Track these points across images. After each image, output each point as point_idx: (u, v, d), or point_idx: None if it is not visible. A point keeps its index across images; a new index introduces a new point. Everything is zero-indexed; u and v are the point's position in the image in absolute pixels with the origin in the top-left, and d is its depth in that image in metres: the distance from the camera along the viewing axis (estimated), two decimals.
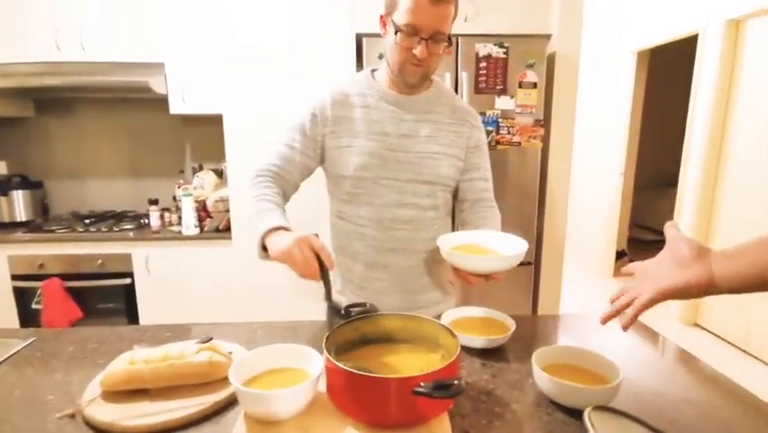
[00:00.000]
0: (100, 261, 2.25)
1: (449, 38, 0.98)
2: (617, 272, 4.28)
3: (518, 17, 2.12)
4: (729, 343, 2.91)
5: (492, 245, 1.02)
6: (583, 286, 4.06)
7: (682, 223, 3.20)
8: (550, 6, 2.13)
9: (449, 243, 1.00)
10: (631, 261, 4.53)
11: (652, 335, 1.04)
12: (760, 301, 2.65)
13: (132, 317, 2.32)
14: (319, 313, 1.23)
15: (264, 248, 0.95)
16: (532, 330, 1.08)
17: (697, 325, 3.21)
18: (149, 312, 2.32)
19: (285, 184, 1.09)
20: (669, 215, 3.34)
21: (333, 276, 1.16)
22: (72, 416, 0.72)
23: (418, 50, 0.95)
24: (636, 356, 0.94)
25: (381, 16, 1.02)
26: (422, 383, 0.63)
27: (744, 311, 2.79)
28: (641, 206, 5.00)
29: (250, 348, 0.89)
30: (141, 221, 2.49)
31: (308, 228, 0.93)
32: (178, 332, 1.05)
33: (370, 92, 1.08)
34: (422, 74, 1.02)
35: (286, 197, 1.10)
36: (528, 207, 2.20)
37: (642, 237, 5.33)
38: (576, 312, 1.15)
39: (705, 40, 3.01)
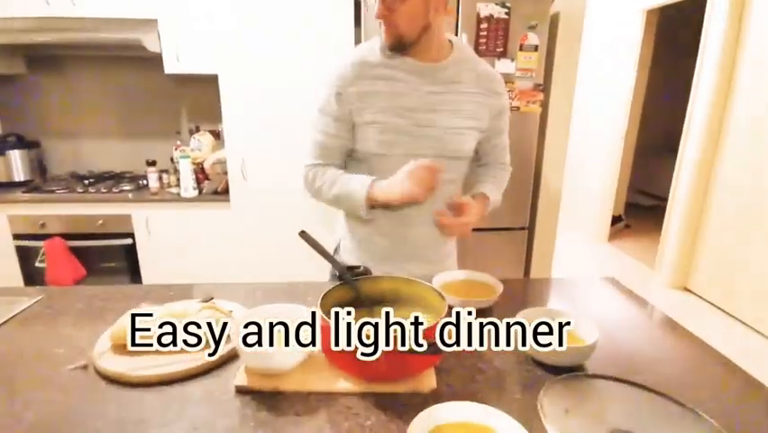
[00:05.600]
0: (101, 221, 2.28)
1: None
2: (612, 238, 4.34)
3: None
4: (717, 307, 3.00)
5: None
6: (577, 251, 4.13)
7: (680, 190, 3.22)
8: None
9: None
10: (627, 226, 4.60)
11: (640, 301, 1.08)
12: (747, 266, 2.71)
13: (135, 275, 2.38)
14: (316, 275, 1.27)
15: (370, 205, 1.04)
16: (520, 293, 1.12)
17: (686, 289, 3.29)
18: (150, 271, 2.38)
19: (336, 167, 1.11)
20: (669, 181, 3.35)
21: (348, 240, 1.20)
22: (84, 367, 0.77)
23: (377, 8, 0.94)
24: (619, 320, 0.98)
25: None
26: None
27: (733, 276, 2.85)
28: (641, 171, 5.00)
29: (250, 308, 0.94)
30: (140, 182, 2.50)
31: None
32: (180, 291, 1.09)
33: (392, 62, 1.03)
34: (392, 36, 0.98)
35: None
36: (525, 172, 2.21)
37: (640, 202, 5.37)
38: (567, 276, 1.19)
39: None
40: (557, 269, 2.66)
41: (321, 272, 1.19)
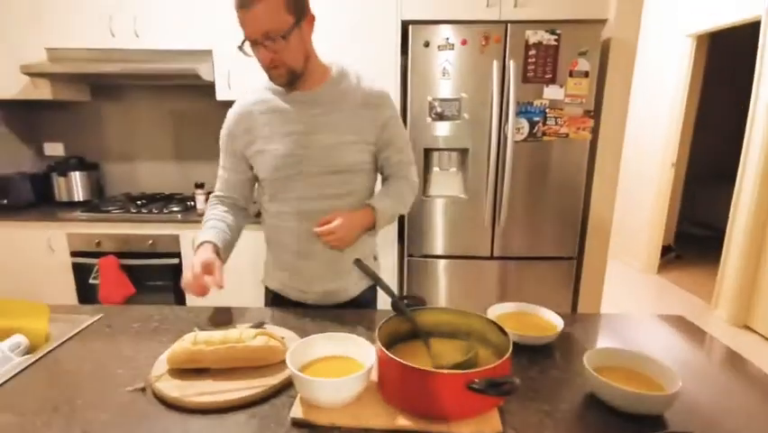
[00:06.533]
0: (151, 241, 2.36)
1: (295, 26, 0.97)
2: (661, 269, 4.12)
3: (572, 1, 2.03)
4: None
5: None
6: (625, 282, 3.94)
7: (738, 221, 3.03)
8: None
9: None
10: (678, 257, 4.37)
11: (716, 344, 1.00)
12: None
13: (179, 294, 2.43)
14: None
15: None
16: (579, 330, 1.06)
17: (747, 327, 3.06)
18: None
19: (233, 202, 1.21)
20: (722, 210, 3.17)
21: (267, 263, 1.27)
22: (143, 389, 0.77)
23: (261, 56, 0.99)
24: (695, 364, 0.91)
25: None
26: (476, 380, 0.64)
27: None
28: (691, 199, 4.77)
29: (299, 334, 0.93)
30: (188, 203, 2.58)
31: None
32: (229, 315, 1.10)
33: (272, 97, 1.11)
34: (285, 74, 1.03)
35: (237, 212, 1.21)
36: (573, 200, 2.14)
37: (691, 232, 5.10)
38: (618, 312, 1.12)
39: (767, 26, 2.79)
40: (606, 301, 2.53)
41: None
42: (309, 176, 1.09)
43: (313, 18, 1.04)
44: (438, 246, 2.23)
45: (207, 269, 0.99)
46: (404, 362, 0.67)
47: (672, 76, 3.79)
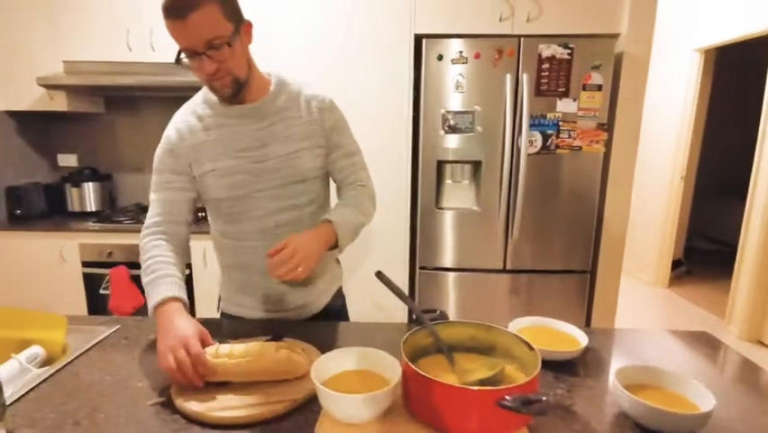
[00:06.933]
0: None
1: (236, 33, 0.91)
2: (672, 283, 4.08)
3: (585, 16, 2.05)
4: None
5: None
6: (636, 297, 3.89)
7: (750, 237, 3.00)
8: (620, 4, 2.04)
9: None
10: (688, 272, 4.32)
11: (724, 351, 0.98)
12: None
13: (190, 306, 2.42)
14: (374, 316, 1.25)
15: None
16: (601, 345, 1.04)
17: (760, 342, 3.01)
18: (205, 303, 2.42)
19: (176, 229, 1.06)
20: (730, 224, 3.14)
21: (228, 290, 1.18)
22: (164, 403, 0.76)
23: (205, 67, 0.91)
24: (714, 377, 0.88)
25: None
26: (507, 397, 0.63)
27: None
28: (700, 214, 4.74)
29: (319, 348, 0.92)
30: (199, 214, 2.59)
31: None
32: (246, 326, 1.09)
33: (214, 111, 1.05)
34: (231, 83, 0.96)
35: (181, 242, 1.08)
36: (586, 213, 2.13)
37: (699, 246, 5.05)
38: (631, 327, 1.10)
39: None
40: (619, 315, 2.50)
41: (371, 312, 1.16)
42: (268, 190, 1.05)
43: (250, 25, 0.98)
44: (450, 259, 2.22)
45: (202, 345, 0.82)
46: (432, 377, 0.66)
47: (680, 90, 3.79)
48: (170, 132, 1.07)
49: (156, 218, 1.06)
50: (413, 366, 0.69)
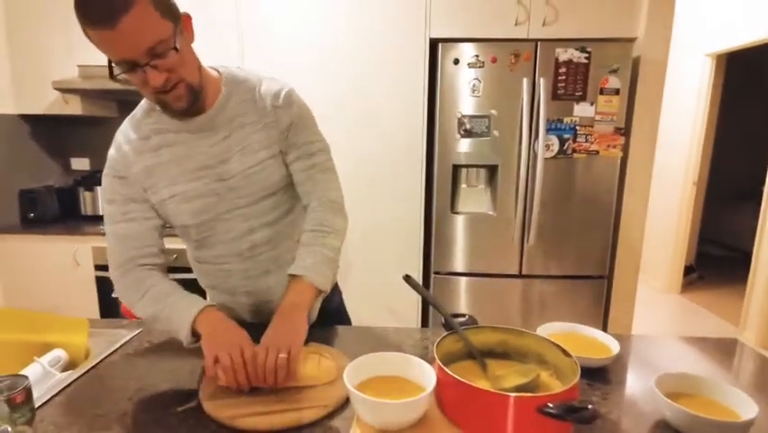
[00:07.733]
0: (175, 255, 2.35)
1: (176, 31, 0.76)
2: (684, 289, 4.03)
3: (601, 19, 2.04)
4: None
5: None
6: (649, 303, 3.85)
7: (765, 241, 2.96)
8: (637, 8, 2.03)
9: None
10: (700, 277, 4.27)
11: (757, 359, 0.95)
12: None
13: None
14: (386, 320, 1.23)
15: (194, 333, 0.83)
16: (629, 352, 1.02)
17: None
18: None
19: (154, 261, 0.94)
20: (742, 230, 3.10)
21: (218, 307, 0.98)
22: (194, 408, 0.75)
23: (151, 80, 0.75)
24: (751, 385, 0.86)
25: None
26: (550, 404, 0.61)
27: None
28: (711, 219, 4.69)
29: (347, 354, 0.90)
30: None
31: None
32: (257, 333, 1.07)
33: (161, 126, 0.91)
34: (187, 93, 0.82)
35: (165, 274, 0.96)
36: (603, 218, 2.11)
37: (711, 252, 5.00)
38: (645, 333, 1.08)
39: None
40: (635, 321, 2.47)
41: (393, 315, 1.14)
42: (235, 210, 0.94)
43: (189, 18, 0.82)
44: (465, 263, 2.20)
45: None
46: (472, 384, 0.64)
47: (692, 95, 3.77)
48: (115, 155, 0.92)
49: (127, 254, 0.91)
50: (449, 372, 0.67)
